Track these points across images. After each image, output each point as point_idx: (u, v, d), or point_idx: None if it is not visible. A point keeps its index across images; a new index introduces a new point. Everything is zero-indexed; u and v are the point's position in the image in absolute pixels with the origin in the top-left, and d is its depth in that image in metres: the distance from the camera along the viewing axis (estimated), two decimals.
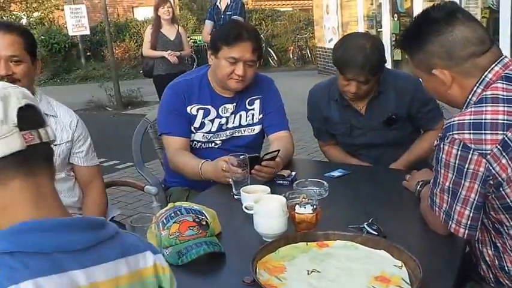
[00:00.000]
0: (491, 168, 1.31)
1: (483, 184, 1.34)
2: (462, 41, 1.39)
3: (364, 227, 1.59)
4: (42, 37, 14.37)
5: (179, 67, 5.66)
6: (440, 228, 1.52)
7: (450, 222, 1.43)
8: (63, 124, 2.15)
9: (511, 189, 1.33)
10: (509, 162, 1.30)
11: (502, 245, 1.46)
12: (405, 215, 1.78)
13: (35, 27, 15.51)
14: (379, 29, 10.08)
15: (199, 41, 13.19)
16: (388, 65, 9.93)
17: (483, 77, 1.40)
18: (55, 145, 2.12)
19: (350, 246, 1.48)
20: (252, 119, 2.43)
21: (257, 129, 2.44)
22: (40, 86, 13.84)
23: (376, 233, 1.55)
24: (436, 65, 1.43)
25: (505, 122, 1.31)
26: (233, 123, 2.40)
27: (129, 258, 0.88)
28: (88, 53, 15.97)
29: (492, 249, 1.49)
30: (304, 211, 1.61)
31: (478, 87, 1.41)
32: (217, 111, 2.37)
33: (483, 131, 1.32)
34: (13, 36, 1.96)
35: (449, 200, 1.42)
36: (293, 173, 2.11)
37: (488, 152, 1.31)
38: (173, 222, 1.55)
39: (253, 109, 2.43)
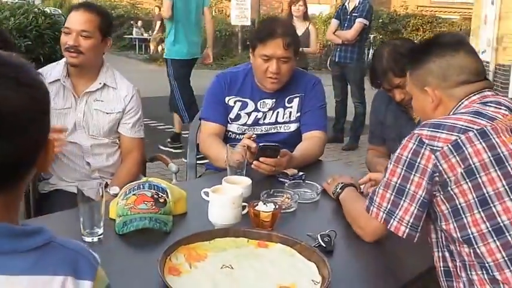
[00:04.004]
0: (438, 164, 1.32)
1: (429, 180, 1.34)
2: (460, 67, 1.46)
3: (317, 237, 1.48)
4: None
5: (299, 63, 5.67)
6: (369, 234, 1.50)
7: (392, 220, 1.40)
8: (119, 96, 2.36)
9: (459, 190, 1.31)
10: (460, 163, 1.31)
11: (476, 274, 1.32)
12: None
13: None
14: None
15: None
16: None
17: (459, 103, 1.46)
18: (107, 113, 2.35)
19: (288, 251, 1.40)
20: (289, 116, 2.40)
21: (293, 127, 2.40)
22: (205, 69, 14.83)
23: (324, 246, 1.44)
24: (430, 84, 1.49)
25: (463, 127, 1.34)
26: (270, 119, 2.39)
27: (34, 277, 0.77)
28: (247, 43, 16.63)
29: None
30: (264, 208, 1.55)
31: (456, 109, 1.47)
32: (256, 104, 2.38)
33: (440, 131, 1.36)
34: (90, 15, 2.22)
35: (392, 197, 1.40)
36: (300, 173, 2.02)
37: (439, 149, 1.33)
38: (132, 195, 1.60)
39: (291, 107, 2.40)
